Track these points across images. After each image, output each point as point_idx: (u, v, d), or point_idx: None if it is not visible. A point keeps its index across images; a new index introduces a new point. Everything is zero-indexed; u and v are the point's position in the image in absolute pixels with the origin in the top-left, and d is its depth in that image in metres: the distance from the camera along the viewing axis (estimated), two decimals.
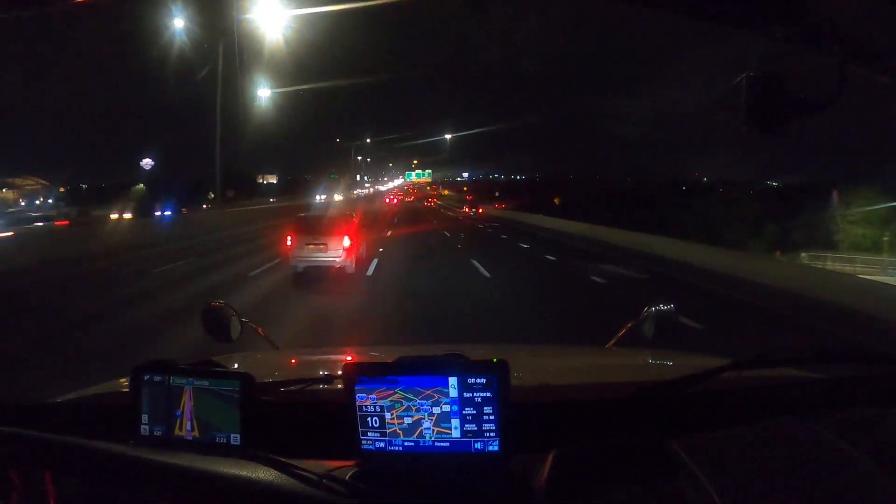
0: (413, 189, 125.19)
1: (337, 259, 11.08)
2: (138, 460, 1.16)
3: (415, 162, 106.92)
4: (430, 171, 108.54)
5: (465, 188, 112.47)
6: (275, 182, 73.26)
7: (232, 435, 1.18)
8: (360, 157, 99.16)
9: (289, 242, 11.40)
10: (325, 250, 11.06)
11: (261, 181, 71.75)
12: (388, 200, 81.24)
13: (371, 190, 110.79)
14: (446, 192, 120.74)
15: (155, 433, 1.22)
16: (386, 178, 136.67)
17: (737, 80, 1.23)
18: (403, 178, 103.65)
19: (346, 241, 11.16)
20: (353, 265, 11.56)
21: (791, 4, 1.20)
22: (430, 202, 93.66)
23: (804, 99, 1.21)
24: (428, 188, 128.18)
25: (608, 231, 24.89)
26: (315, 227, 11.43)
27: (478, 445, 1.09)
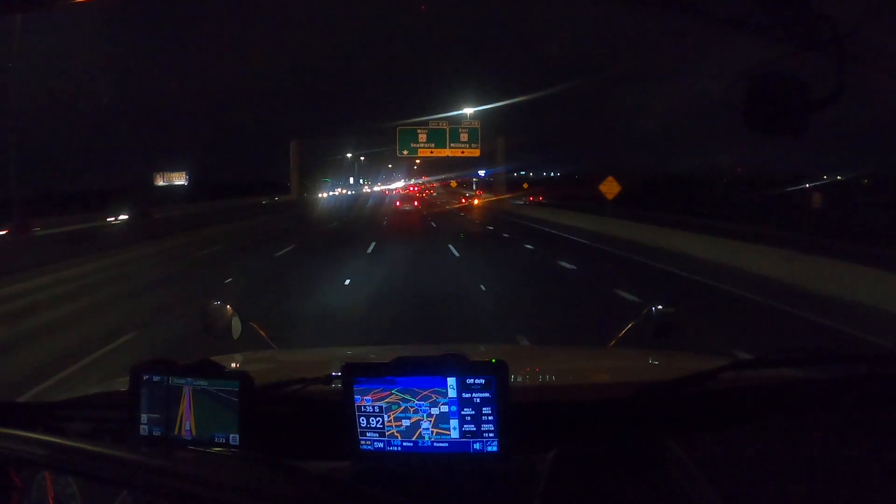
0: (417, 190, 75.32)
1: (414, 206, 42.86)
2: (137, 461, 1.16)
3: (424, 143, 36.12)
4: (476, 122, 36.14)
5: (524, 185, 60.95)
6: (184, 184, 42.19)
7: (230, 435, 1.18)
8: (349, 155, 68.98)
9: (398, 204, 43.84)
10: (409, 205, 42.82)
11: (161, 184, 42.68)
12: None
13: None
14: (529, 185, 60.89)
15: (154, 433, 1.22)
16: (380, 183, 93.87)
17: (736, 80, 1.23)
18: (406, 152, 35.10)
19: (416, 203, 47.69)
20: (417, 208, 42.32)
21: (791, 5, 1.20)
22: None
23: (804, 99, 1.21)
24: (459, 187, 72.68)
25: None
26: (406, 198, 50.05)
27: (476, 446, 1.09)
